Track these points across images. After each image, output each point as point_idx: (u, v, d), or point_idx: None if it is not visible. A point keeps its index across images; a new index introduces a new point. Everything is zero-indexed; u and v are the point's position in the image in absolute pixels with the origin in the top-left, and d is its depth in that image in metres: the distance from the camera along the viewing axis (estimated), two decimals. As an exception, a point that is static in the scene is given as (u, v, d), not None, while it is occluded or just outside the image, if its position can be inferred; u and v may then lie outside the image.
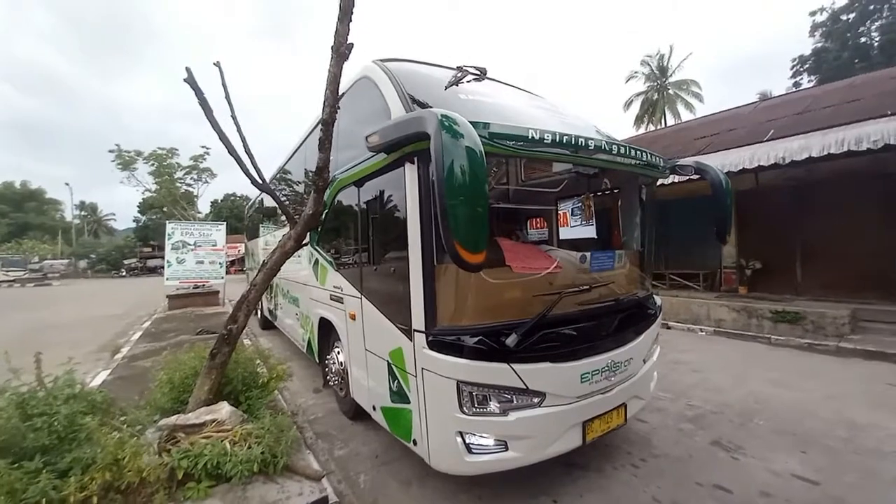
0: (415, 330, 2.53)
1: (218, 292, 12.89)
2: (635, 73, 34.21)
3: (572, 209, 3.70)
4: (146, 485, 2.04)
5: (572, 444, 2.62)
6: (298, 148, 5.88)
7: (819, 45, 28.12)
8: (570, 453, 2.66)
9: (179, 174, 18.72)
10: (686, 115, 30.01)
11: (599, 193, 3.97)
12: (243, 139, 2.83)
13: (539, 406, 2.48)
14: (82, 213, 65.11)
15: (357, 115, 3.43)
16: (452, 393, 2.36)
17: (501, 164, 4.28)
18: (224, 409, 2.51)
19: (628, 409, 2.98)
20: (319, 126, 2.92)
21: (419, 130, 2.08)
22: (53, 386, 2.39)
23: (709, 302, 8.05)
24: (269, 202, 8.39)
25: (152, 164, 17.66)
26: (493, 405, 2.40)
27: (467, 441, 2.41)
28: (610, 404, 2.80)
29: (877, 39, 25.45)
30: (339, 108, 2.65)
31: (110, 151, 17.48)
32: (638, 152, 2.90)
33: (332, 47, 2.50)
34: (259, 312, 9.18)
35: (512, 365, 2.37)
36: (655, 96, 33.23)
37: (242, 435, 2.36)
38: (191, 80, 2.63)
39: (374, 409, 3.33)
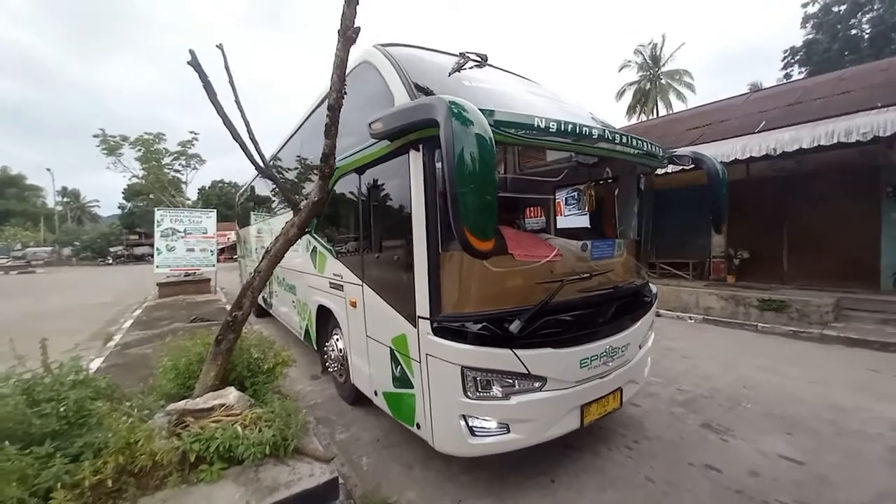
0: (419, 317, 2.55)
1: (209, 280, 12.79)
2: (628, 62, 34.13)
3: (570, 197, 3.74)
4: (159, 468, 2.07)
5: (571, 426, 2.70)
6: (293, 135, 5.77)
7: (810, 36, 28.28)
8: (567, 435, 2.74)
9: (167, 160, 18.28)
10: (678, 106, 30.09)
11: (599, 182, 4.01)
12: (247, 123, 2.79)
13: (540, 390, 2.54)
14: (65, 199, 63.56)
15: (355, 101, 3.37)
16: (457, 378, 2.41)
17: (501, 153, 4.28)
18: (232, 394, 2.53)
19: (624, 394, 3.07)
20: (325, 112, 2.80)
21: (427, 117, 2.05)
22: (60, 372, 2.39)
23: (698, 290, 8.22)
24: (260, 190, 8.27)
25: (139, 150, 17.17)
26: (496, 389, 2.46)
27: (470, 424, 2.47)
28: (607, 388, 2.88)
29: (867, 32, 25.62)
30: (345, 93, 2.62)
31: (95, 136, 16.96)
32: (638, 141, 2.92)
33: (338, 31, 2.46)
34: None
35: (515, 351, 2.42)
36: (648, 86, 33.19)
37: (252, 419, 2.40)
38: (195, 63, 2.58)
39: (375, 394, 3.38)
